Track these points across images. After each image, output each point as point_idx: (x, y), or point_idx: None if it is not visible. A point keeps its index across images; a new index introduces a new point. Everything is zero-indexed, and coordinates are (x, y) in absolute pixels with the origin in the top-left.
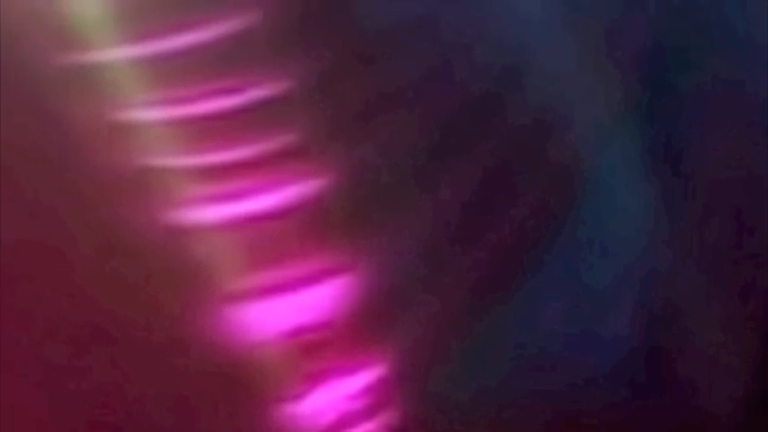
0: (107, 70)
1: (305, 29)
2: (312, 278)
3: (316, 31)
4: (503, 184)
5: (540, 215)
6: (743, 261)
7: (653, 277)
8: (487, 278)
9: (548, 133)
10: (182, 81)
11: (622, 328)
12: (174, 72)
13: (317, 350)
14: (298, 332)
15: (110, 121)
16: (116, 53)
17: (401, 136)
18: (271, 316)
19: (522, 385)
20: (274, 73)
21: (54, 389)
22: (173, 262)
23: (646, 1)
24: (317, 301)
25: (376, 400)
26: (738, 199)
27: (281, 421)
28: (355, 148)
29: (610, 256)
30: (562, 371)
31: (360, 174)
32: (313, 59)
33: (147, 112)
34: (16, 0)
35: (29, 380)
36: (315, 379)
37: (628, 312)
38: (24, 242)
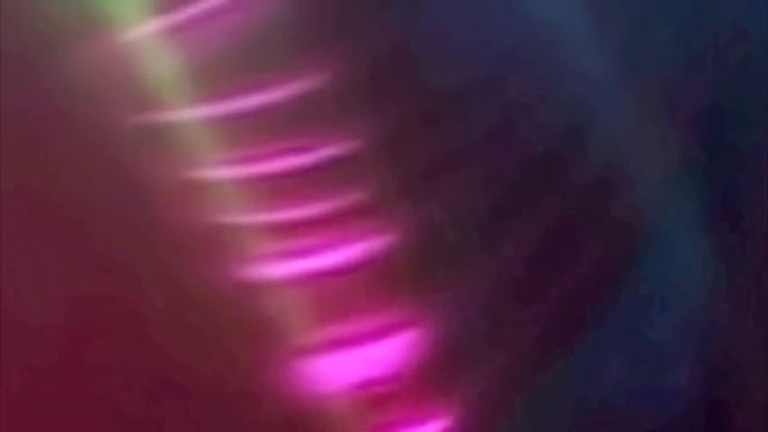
0: (180, 130)
1: (372, 89)
2: (380, 332)
3: (383, 92)
4: (565, 241)
5: (601, 271)
6: None
7: (712, 331)
8: (550, 332)
9: (609, 191)
10: (253, 140)
11: (682, 381)
12: (245, 131)
13: (385, 402)
14: (366, 385)
15: (183, 179)
16: (189, 113)
17: (466, 194)
18: (339, 369)
19: None
20: (343, 132)
21: None
22: (244, 316)
23: (704, 62)
24: (384, 354)
25: None
26: None
27: None
28: (421, 206)
29: (670, 310)
30: (623, 423)
31: (426, 231)
32: (380, 119)
33: (219, 171)
34: (92, 61)
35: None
36: (382, 431)
37: (687, 365)
38: (99, 297)
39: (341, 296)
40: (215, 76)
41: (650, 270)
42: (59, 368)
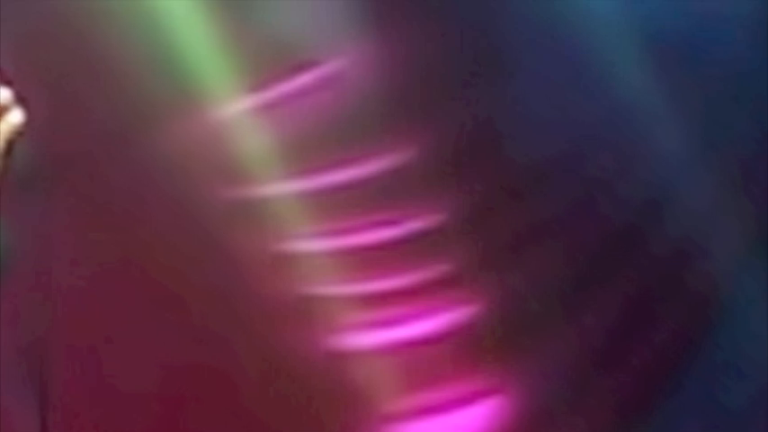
0: (272, 204)
1: (458, 164)
2: (465, 399)
3: (468, 167)
4: (644, 311)
5: (679, 340)
6: None
7: None
8: (630, 399)
9: (686, 263)
10: (342, 213)
11: None
12: (335, 205)
13: None
14: None
15: (275, 251)
16: (281, 187)
17: (548, 266)
18: None
19: None
20: (429, 206)
21: None
22: (334, 384)
23: None
24: (470, 421)
25: None
26: None
27: None
28: (505, 278)
29: (744, 377)
30: None
31: (509, 301)
32: (466, 193)
33: (310, 243)
34: (187, 138)
35: None
36: None
37: (761, 430)
38: (194, 366)
39: (427, 365)
40: (306, 152)
41: (726, 339)
42: None
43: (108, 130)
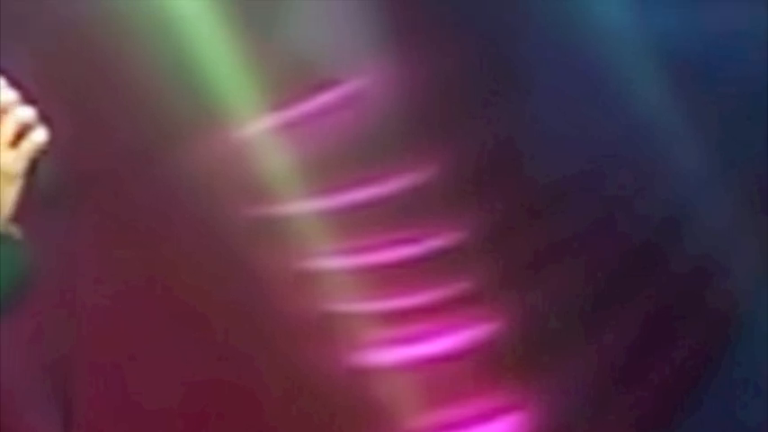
0: (294, 222)
1: (478, 183)
2: (486, 416)
3: (488, 185)
4: (663, 329)
5: (698, 357)
6: None
7: None
8: (649, 416)
9: (705, 281)
10: (363, 232)
11: None
12: (356, 223)
13: None
14: None
15: (296, 269)
16: (302, 206)
17: (568, 284)
18: None
19: None
20: (450, 224)
21: None
22: (356, 401)
23: None
24: None
25: None
26: None
27: None
28: (525, 295)
29: (762, 394)
30: None
31: (529, 319)
32: (486, 212)
33: (332, 261)
34: (209, 157)
35: None
36: None
37: None
38: (217, 383)
39: (449, 381)
40: (327, 170)
41: (744, 356)
42: None
43: (132, 148)
